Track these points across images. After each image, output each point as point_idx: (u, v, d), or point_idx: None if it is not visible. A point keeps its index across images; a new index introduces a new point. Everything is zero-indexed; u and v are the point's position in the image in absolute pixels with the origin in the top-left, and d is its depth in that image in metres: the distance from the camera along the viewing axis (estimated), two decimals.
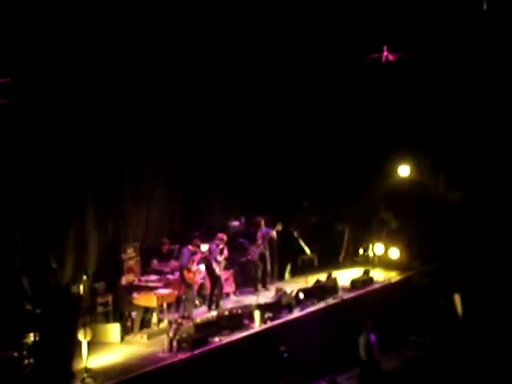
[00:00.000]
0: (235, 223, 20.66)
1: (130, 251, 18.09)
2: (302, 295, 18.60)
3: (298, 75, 21.32)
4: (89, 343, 14.85)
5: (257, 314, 17.20)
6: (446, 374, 16.85)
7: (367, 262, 22.17)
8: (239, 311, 17.37)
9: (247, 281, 20.03)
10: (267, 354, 16.55)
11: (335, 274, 20.21)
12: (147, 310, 17.05)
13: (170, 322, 16.50)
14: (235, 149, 21.26)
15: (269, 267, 20.02)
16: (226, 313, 17.37)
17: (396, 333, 19.18)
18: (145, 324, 17.04)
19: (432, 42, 20.85)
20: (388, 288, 20.48)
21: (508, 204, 21.50)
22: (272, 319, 17.38)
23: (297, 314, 18.00)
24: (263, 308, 17.52)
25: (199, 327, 16.38)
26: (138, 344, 16.35)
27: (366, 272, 20.76)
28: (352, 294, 19.58)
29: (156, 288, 17.13)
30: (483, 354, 17.54)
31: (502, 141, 21.65)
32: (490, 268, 20.42)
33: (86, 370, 14.50)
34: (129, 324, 16.91)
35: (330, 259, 21.95)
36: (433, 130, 22.11)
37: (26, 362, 14.46)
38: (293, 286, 19.54)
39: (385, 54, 18.73)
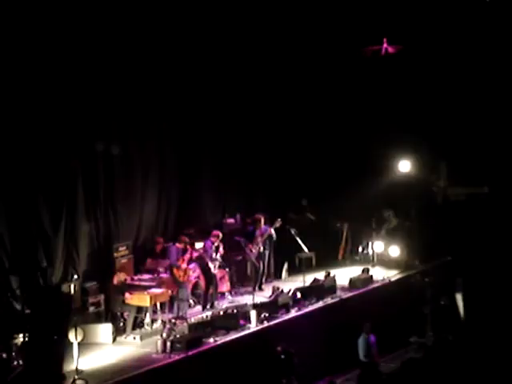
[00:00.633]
0: (230, 221, 20.45)
1: (123, 250, 17.86)
2: (299, 294, 18.45)
3: (297, 70, 21.29)
4: (80, 344, 14.66)
5: (253, 313, 16.99)
6: (447, 375, 16.80)
7: (366, 260, 22.15)
8: (235, 311, 17.25)
9: (243, 280, 19.92)
10: (263, 355, 16.37)
11: (333, 272, 20.11)
12: (140, 310, 16.84)
13: (163, 322, 16.39)
14: (230, 145, 21.15)
15: (265, 267, 19.87)
16: (221, 312, 17.29)
17: (396, 333, 19.09)
18: (138, 324, 16.83)
19: (433, 34, 20.79)
20: (388, 287, 20.40)
21: (510, 201, 21.46)
22: (268, 319, 17.22)
23: (294, 313, 17.87)
24: (259, 308, 17.34)
25: (193, 327, 16.27)
26: (130, 345, 16.16)
27: (366, 270, 20.69)
28: (351, 294, 19.51)
29: (149, 287, 16.89)
30: (485, 355, 17.49)
31: (503, 135, 21.56)
32: (491, 267, 20.47)
33: (77, 371, 14.31)
34: (121, 324, 16.70)
35: (328, 257, 21.90)
36: (434, 125, 22.08)
37: (15, 363, 14.24)
38: (290, 285, 19.41)
39: (384, 46, 18.68)
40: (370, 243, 22.27)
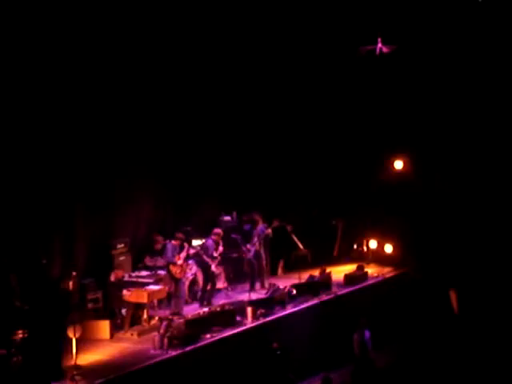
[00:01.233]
0: (227, 218, 20.55)
1: (121, 247, 17.99)
2: (295, 291, 18.52)
3: (294, 71, 21.33)
4: (78, 340, 14.71)
5: (249, 310, 17.09)
6: (441, 371, 16.89)
7: (361, 257, 22.21)
8: (231, 307, 17.26)
9: (239, 277, 19.95)
10: (260, 350, 16.45)
11: (329, 269, 20.18)
12: (138, 307, 16.89)
13: (160, 319, 16.45)
14: (227, 143, 21.16)
15: (264, 265, 19.91)
16: (218, 309, 17.27)
17: (390, 329, 19.15)
18: (135, 321, 16.90)
19: (428, 35, 20.81)
20: (382, 284, 20.47)
21: (505, 200, 21.50)
22: (264, 315, 17.26)
23: (290, 310, 17.91)
24: (256, 304, 17.42)
25: (190, 324, 16.24)
26: (128, 341, 16.22)
27: (360, 267, 20.76)
28: (346, 290, 19.55)
29: (147, 284, 17.02)
30: (479, 350, 17.58)
31: (498, 135, 21.61)
32: (485, 263, 20.51)
33: (76, 367, 14.38)
34: (119, 321, 16.78)
35: (323, 255, 21.91)
36: (428, 124, 22.06)
37: (15, 359, 14.17)
38: (286, 281, 19.49)
39: (379, 46, 18.67)
40: (364, 241, 22.38)
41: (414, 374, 16.85)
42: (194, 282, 18.60)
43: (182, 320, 16.44)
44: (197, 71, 19.75)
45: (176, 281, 17.47)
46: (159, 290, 16.93)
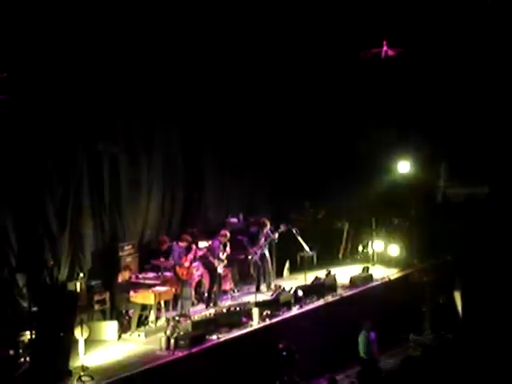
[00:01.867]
0: (233, 220, 20.61)
1: (128, 248, 18.03)
2: (300, 292, 18.53)
3: (298, 72, 21.37)
4: (86, 341, 14.75)
5: (255, 311, 17.12)
6: (446, 373, 16.88)
7: (366, 259, 22.26)
8: (237, 309, 17.34)
9: (245, 278, 20.02)
10: (265, 352, 16.46)
11: (334, 271, 20.19)
12: (145, 308, 16.94)
13: (167, 320, 16.50)
14: (233, 145, 21.27)
15: (271, 268, 19.94)
16: (224, 310, 17.34)
17: (395, 331, 19.19)
18: (142, 322, 16.93)
19: (433, 35, 20.84)
20: (387, 285, 20.50)
21: (509, 201, 21.53)
22: (270, 317, 17.30)
23: (295, 311, 17.95)
24: (261, 305, 17.48)
25: (197, 325, 16.29)
26: (135, 342, 16.24)
27: (366, 269, 20.80)
28: (351, 292, 19.60)
29: (153, 285, 17.02)
30: (483, 353, 17.56)
31: (503, 135, 21.63)
32: (490, 265, 20.51)
33: (83, 368, 14.38)
34: (126, 322, 16.75)
35: (329, 256, 22.06)
36: (433, 125, 22.13)
37: (22, 360, 14.31)
38: (291, 283, 19.49)
39: (384, 49, 18.68)
40: (370, 242, 22.41)
41: (420, 377, 16.83)
42: (200, 283, 18.63)
43: (188, 321, 16.45)
44: (206, 75, 19.90)
45: (183, 282, 17.49)
46: (166, 292, 16.92)
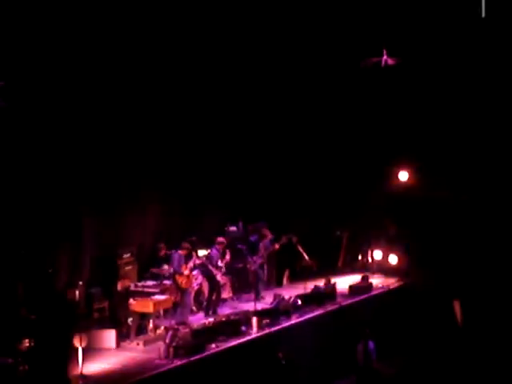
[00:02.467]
0: (233, 228, 20.62)
1: (127, 256, 18.05)
2: (300, 301, 18.57)
3: (300, 83, 21.41)
4: (84, 349, 14.73)
5: (254, 320, 17.15)
6: (445, 381, 16.94)
7: (366, 268, 22.32)
8: (236, 317, 17.34)
9: (244, 287, 20.04)
10: (265, 360, 16.50)
11: (334, 280, 20.24)
12: (144, 316, 16.98)
13: (166, 329, 16.50)
14: (233, 153, 21.27)
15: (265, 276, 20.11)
16: (224, 319, 17.32)
17: (394, 340, 19.19)
18: (141, 330, 16.96)
19: (432, 48, 20.87)
20: (387, 294, 20.58)
21: (506, 209, 21.56)
22: (270, 325, 17.34)
23: (295, 320, 17.97)
24: (261, 314, 17.50)
25: (196, 333, 16.29)
26: (134, 350, 16.27)
27: (365, 278, 20.85)
28: (350, 301, 19.64)
29: (152, 294, 17.07)
30: (483, 361, 17.61)
31: (503, 145, 21.68)
32: (489, 274, 20.57)
33: (82, 376, 14.39)
34: (125, 330, 16.81)
35: (328, 265, 22.03)
36: (432, 135, 22.12)
37: (21, 368, 14.24)
38: (291, 291, 19.53)
39: (384, 58, 18.73)
40: (369, 251, 22.48)
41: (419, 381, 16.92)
42: (199, 291, 18.63)
43: (187, 330, 16.39)
44: (209, 83, 19.88)
45: (182, 291, 17.52)
46: (165, 300, 16.98)
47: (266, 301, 19.09)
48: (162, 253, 18.15)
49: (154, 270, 17.80)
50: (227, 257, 18.72)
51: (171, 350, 15.51)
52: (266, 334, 17.09)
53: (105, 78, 17.50)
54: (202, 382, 15.32)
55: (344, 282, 20.65)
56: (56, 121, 16.68)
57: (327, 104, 22.19)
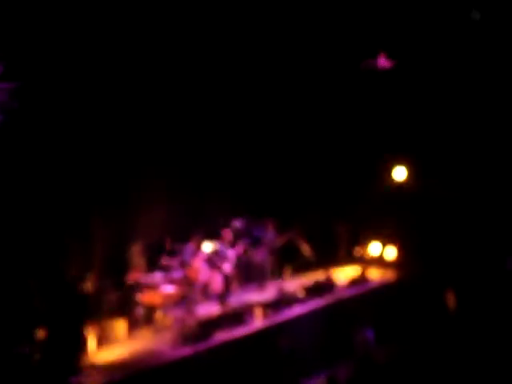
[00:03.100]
0: (237, 222, 20.82)
1: (136, 249, 18.31)
2: (300, 293, 19.01)
3: (298, 80, 21.67)
4: (96, 339, 15.34)
5: (257, 311, 17.58)
6: (439, 369, 17.13)
7: (364, 260, 22.54)
8: (241, 308, 17.76)
9: (248, 279, 20.35)
10: (268, 350, 16.90)
11: (333, 272, 20.65)
12: (152, 307, 17.34)
13: (174, 319, 16.93)
14: (239, 148, 21.57)
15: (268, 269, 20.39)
16: (228, 310, 17.75)
17: (392, 330, 19.44)
18: (150, 320, 17.31)
19: (427, 50, 21.11)
20: (384, 286, 20.88)
21: (502, 203, 21.91)
22: (272, 316, 17.72)
23: (296, 311, 18.30)
24: (264, 305, 17.91)
25: (202, 324, 16.65)
26: (143, 340, 16.62)
27: (363, 271, 21.19)
28: (349, 293, 19.95)
29: (161, 286, 17.44)
30: (477, 352, 17.83)
31: (498, 141, 21.99)
32: (484, 266, 20.80)
33: (93, 365, 14.88)
34: (134, 320, 17.14)
35: (327, 258, 22.24)
36: (428, 131, 22.35)
37: (35, 357, 14.59)
38: (292, 284, 19.92)
39: (381, 60, 18.88)
40: (367, 244, 22.76)
41: (414, 369, 17.07)
42: (207, 283, 18.83)
43: (194, 320, 16.80)
44: (209, 83, 20.14)
45: (190, 282, 17.89)
46: (173, 291, 17.35)
47: (269, 292, 19.45)
48: (170, 245, 18.45)
49: (164, 262, 18.08)
50: (233, 249, 19.04)
51: (179, 339, 15.93)
52: (269, 325, 17.43)
53: (110, 78, 17.78)
54: (208, 371, 15.64)
55: (343, 275, 21.01)
56: (65, 119, 16.98)
57: (327, 102, 22.53)
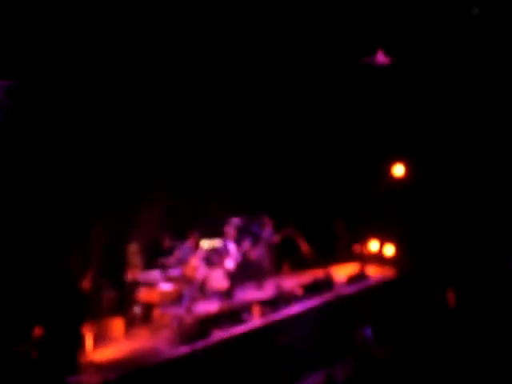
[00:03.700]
0: (235, 219, 20.73)
1: (134, 247, 18.32)
2: (299, 291, 18.97)
3: (297, 78, 21.60)
4: (93, 337, 15.33)
5: (255, 308, 17.56)
6: (438, 366, 17.13)
7: (363, 258, 22.46)
8: (239, 306, 17.74)
9: (246, 276, 20.25)
10: (265, 347, 16.92)
11: (331, 269, 20.60)
12: (150, 305, 17.36)
13: (172, 317, 16.91)
14: (238, 146, 21.50)
15: (266, 266, 20.37)
16: (226, 307, 17.73)
17: (390, 327, 19.48)
18: (148, 318, 17.33)
19: (427, 48, 21.05)
20: (383, 284, 20.88)
21: (503, 201, 21.89)
22: (270, 314, 17.70)
23: (294, 309, 18.28)
24: (262, 303, 17.89)
25: (200, 321, 16.63)
26: (141, 338, 16.63)
27: (362, 268, 21.17)
28: (348, 290, 19.94)
29: (158, 283, 17.45)
30: (476, 349, 17.83)
31: (497, 140, 21.96)
32: (485, 264, 20.77)
33: (91, 363, 14.86)
34: (132, 318, 17.18)
35: (326, 255, 22.17)
36: (428, 128, 22.30)
37: (33, 355, 14.61)
38: (290, 281, 19.93)
39: (380, 57, 18.88)
40: (366, 241, 22.70)
41: (413, 366, 17.08)
42: (204, 281, 18.77)
43: (192, 318, 16.81)
44: (209, 82, 20.12)
45: (188, 280, 17.87)
46: (171, 289, 17.35)
47: (267, 290, 19.46)
48: (168, 243, 18.44)
49: (162, 260, 18.07)
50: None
51: (176, 337, 15.91)
52: (267, 323, 17.42)
53: (109, 77, 17.76)
54: (206, 369, 15.64)
55: (341, 272, 21.00)
56: (64, 119, 16.97)
57: (324, 100, 22.45)
